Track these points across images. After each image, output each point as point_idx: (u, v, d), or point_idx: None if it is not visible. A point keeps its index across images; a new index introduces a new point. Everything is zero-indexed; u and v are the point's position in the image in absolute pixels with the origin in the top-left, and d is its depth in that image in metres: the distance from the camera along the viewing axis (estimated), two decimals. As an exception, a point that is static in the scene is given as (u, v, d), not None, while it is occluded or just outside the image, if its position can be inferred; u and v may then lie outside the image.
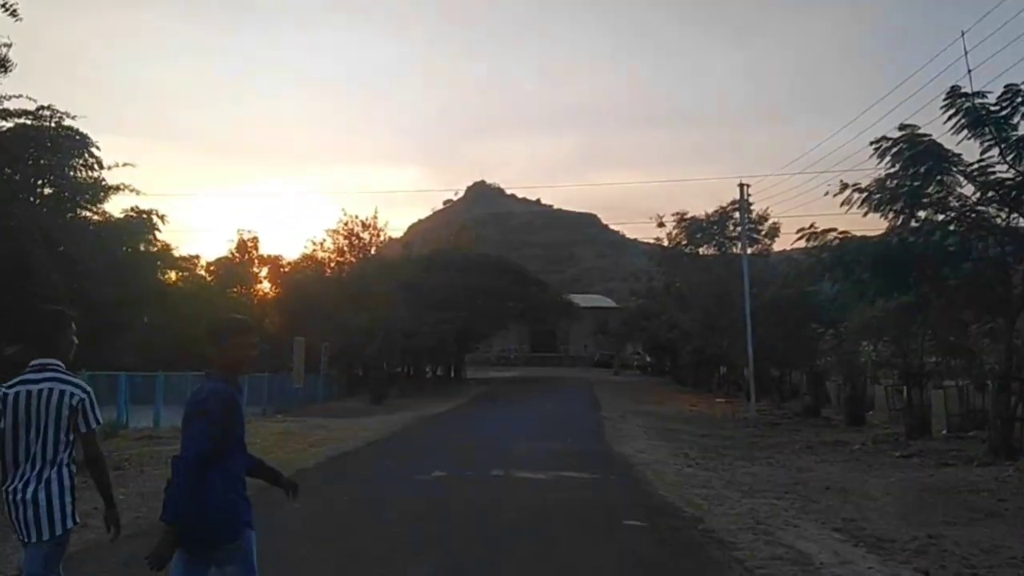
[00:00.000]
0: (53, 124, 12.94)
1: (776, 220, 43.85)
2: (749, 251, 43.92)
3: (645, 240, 75.65)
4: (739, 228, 44.22)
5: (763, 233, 43.36)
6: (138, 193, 16.44)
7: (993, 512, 8.92)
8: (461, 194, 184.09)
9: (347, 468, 12.60)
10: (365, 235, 48.24)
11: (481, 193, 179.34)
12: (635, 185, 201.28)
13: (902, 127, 15.30)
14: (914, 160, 15.61)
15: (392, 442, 17.32)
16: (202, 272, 53.91)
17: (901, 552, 7.14)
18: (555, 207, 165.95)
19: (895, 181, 16.40)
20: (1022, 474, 11.64)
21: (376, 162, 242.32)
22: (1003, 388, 15.30)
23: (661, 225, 45.88)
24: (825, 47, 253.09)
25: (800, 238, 18.48)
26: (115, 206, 22.44)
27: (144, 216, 13.07)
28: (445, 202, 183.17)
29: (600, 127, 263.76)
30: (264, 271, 53.80)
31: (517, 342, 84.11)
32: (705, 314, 41.43)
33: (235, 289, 51.27)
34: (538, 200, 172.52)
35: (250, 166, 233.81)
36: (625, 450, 15.87)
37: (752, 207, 27.38)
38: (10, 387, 3.79)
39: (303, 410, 31.03)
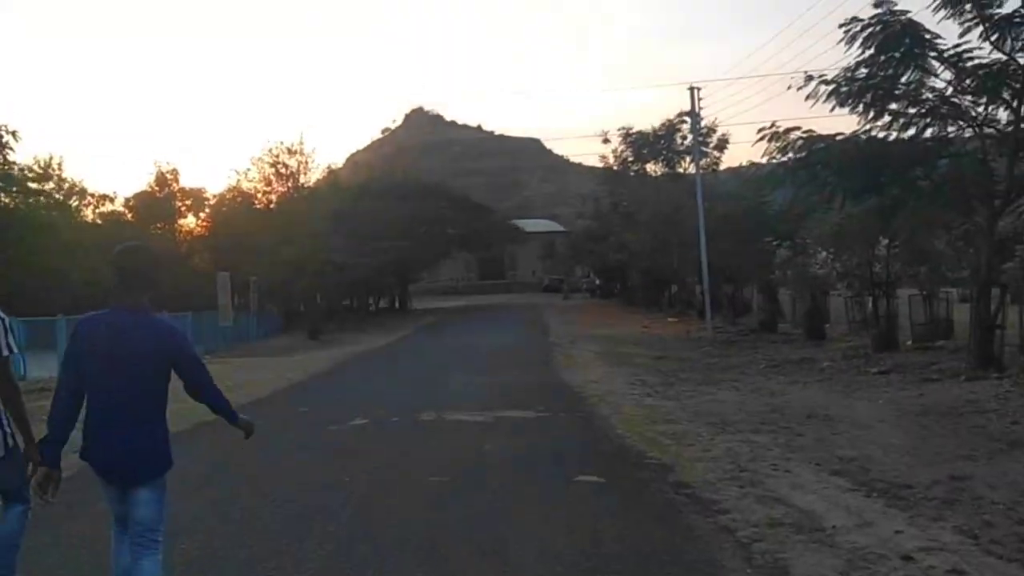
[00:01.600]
0: None
1: (725, 132, 42.42)
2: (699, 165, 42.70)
3: (590, 165, 73.91)
4: (686, 142, 42.75)
5: (712, 146, 41.85)
6: None
7: (1016, 440, 7.47)
8: (399, 122, 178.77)
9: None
10: (292, 162, 45.19)
11: (420, 120, 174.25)
12: (578, 107, 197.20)
13: (877, 3, 13.50)
14: (886, 43, 13.90)
15: (316, 383, 15.47)
16: (121, 208, 50.80)
17: (926, 503, 5.59)
18: (496, 132, 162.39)
19: (865, 70, 14.71)
20: (1022, 388, 10.33)
21: (308, 90, 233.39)
22: (983, 294, 14.04)
23: (606, 142, 44.04)
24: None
25: (761, 138, 16.69)
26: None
27: None
28: (383, 130, 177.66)
29: (541, 45, 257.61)
30: (187, 206, 50.97)
31: (464, 271, 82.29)
32: (654, 233, 40.10)
33: (158, 225, 48.28)
34: (479, 126, 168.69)
35: (173, 96, 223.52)
36: (576, 379, 14.28)
37: (701, 118, 25.51)
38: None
39: (234, 350, 29.07)
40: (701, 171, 41.62)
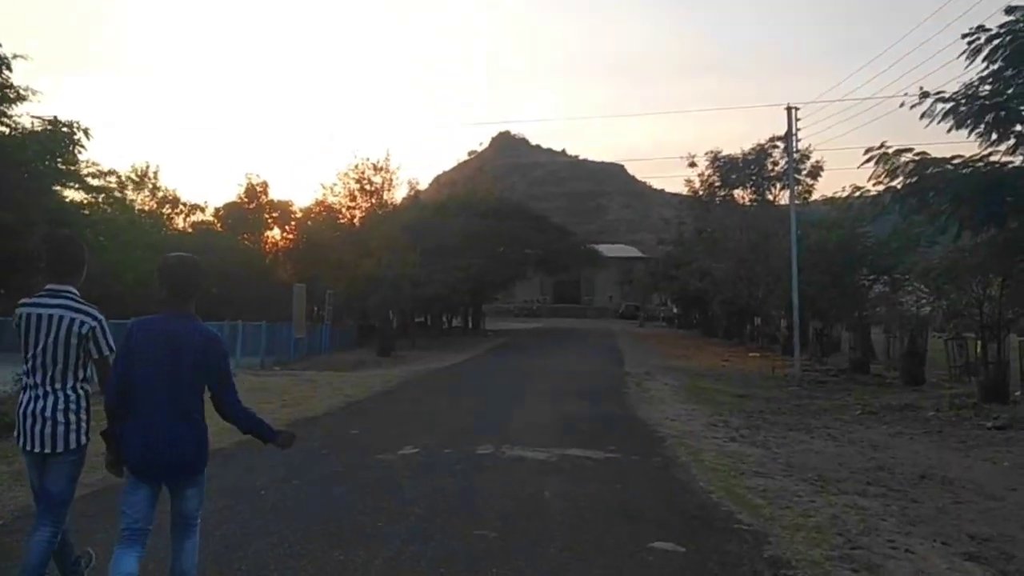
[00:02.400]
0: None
1: (819, 158, 40.48)
2: (787, 195, 40.78)
3: (673, 191, 72.18)
4: (777, 168, 40.97)
5: (805, 172, 39.99)
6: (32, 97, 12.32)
7: None
8: (486, 145, 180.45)
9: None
10: (377, 179, 45.34)
11: (506, 143, 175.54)
12: (663, 135, 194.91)
13: (1009, 10, 12.09)
14: (1017, 56, 12.45)
15: (375, 403, 14.70)
16: (211, 218, 51.93)
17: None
18: (580, 157, 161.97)
19: (989, 87, 13.25)
20: None
21: (401, 113, 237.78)
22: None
23: (693, 165, 42.67)
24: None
25: (868, 159, 15.31)
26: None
27: (63, 128, 10.26)
28: (470, 153, 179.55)
29: (628, 76, 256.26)
30: (274, 218, 51.70)
31: (540, 293, 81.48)
32: (739, 262, 38.45)
33: (244, 237, 49.03)
34: (563, 150, 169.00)
35: (266, 114, 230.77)
36: (651, 416, 13.12)
37: (798, 139, 24.00)
38: (22, 306, 3.90)
39: (304, 362, 28.87)
40: (799, 199, 40.10)
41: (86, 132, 15.51)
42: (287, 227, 51.40)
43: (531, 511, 6.30)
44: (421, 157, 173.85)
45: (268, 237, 51.68)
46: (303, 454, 8.14)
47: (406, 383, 19.11)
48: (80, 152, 11.43)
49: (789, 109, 23.88)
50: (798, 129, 23.86)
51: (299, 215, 51.59)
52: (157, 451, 3.56)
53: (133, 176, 47.85)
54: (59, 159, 10.39)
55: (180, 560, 3.74)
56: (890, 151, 15.32)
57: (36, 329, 3.85)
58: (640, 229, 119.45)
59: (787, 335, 36.18)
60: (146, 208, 48.80)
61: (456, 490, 7.03)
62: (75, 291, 3.96)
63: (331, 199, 46.66)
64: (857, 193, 17.15)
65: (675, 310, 68.99)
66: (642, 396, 16.47)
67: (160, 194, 49.43)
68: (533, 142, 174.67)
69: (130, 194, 48.47)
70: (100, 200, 46.11)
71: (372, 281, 32.18)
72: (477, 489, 7.08)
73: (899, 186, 14.95)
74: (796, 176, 39.69)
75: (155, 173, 48.92)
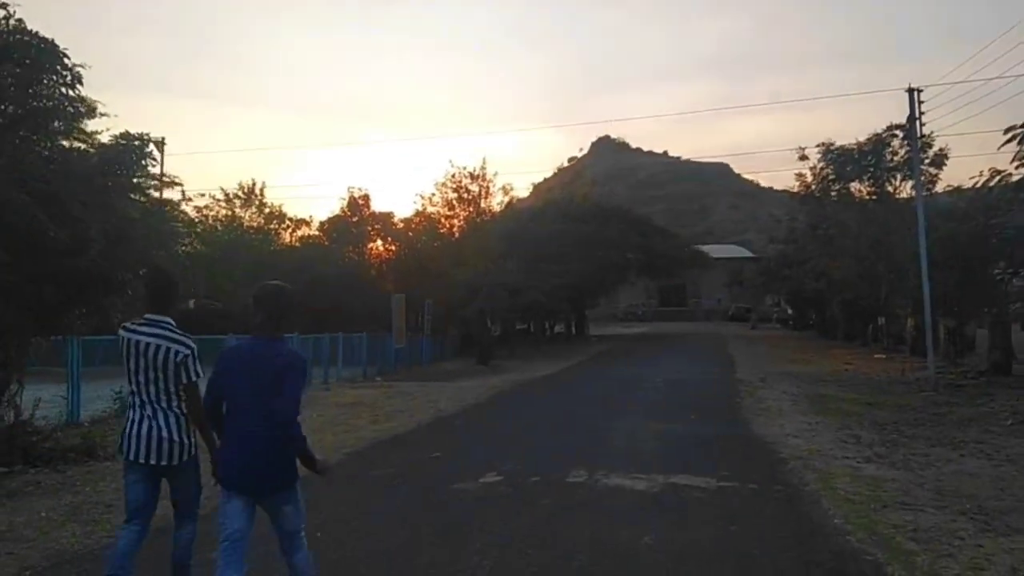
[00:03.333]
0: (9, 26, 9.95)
1: (943, 145, 37.37)
2: (911, 186, 37.77)
3: (781, 188, 68.85)
4: (897, 158, 38.06)
5: (927, 161, 36.96)
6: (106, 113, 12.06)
7: None
8: (586, 150, 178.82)
9: (372, 464, 9.11)
10: (474, 187, 44.98)
11: (606, 148, 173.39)
12: (770, 129, 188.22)
13: None
14: None
15: (465, 418, 13.85)
16: (316, 232, 52.89)
17: None
18: (683, 158, 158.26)
19: None
20: None
21: (499, 124, 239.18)
22: None
23: (804, 158, 40.06)
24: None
25: (1009, 139, 13.45)
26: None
27: (135, 142, 9.99)
28: (570, 159, 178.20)
29: (727, 74, 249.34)
30: (375, 230, 52.19)
31: (645, 297, 79.51)
32: (859, 260, 35.89)
33: (349, 250, 49.63)
34: (665, 152, 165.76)
35: (371, 130, 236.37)
36: (770, 431, 11.72)
37: (922, 123, 21.74)
38: (123, 330, 4.31)
39: (405, 373, 28.54)
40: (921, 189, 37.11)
41: (158, 144, 15.32)
42: (389, 239, 51.83)
43: (624, 567, 5.19)
44: (521, 166, 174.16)
45: (372, 249, 52.24)
46: (374, 484, 7.32)
47: (501, 395, 18.24)
48: (152, 165, 11.11)
49: (911, 91, 21.71)
50: (922, 113, 21.66)
51: (400, 226, 51.97)
52: (245, 466, 3.76)
53: (240, 193, 49.25)
54: (127, 172, 10.04)
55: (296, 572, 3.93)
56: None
57: (136, 354, 4.23)
58: (748, 229, 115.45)
59: (915, 335, 33.51)
60: (254, 224, 50.18)
61: (539, 531, 6.00)
62: (171, 321, 4.32)
63: (429, 209, 46.52)
64: (997, 178, 15.03)
65: (789, 311, 65.82)
66: (758, 407, 15.00)
67: (267, 210, 50.67)
68: (634, 145, 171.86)
69: (239, 211, 50.06)
70: (203, 214, 47.68)
71: (469, 290, 31.57)
72: (563, 532, 6.03)
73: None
74: (920, 166, 36.89)
75: (261, 190, 50.17)
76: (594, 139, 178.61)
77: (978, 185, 20.89)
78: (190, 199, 46.14)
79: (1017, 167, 13.89)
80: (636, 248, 47.46)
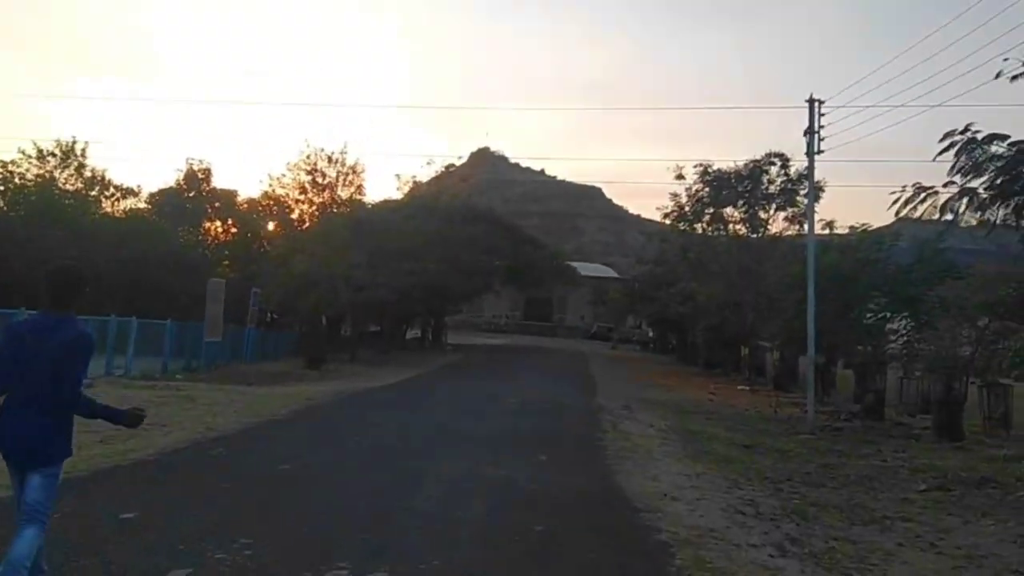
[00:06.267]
0: None
1: (820, 179, 36.56)
2: (784, 217, 36.77)
3: (649, 218, 68.18)
4: (773, 186, 36.97)
5: (803, 192, 35.98)
6: None
7: None
8: (464, 159, 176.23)
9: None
10: (331, 171, 40.79)
11: (485, 159, 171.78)
12: (641, 162, 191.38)
13: None
14: None
15: (233, 444, 10.10)
16: (145, 204, 46.92)
17: None
18: (559, 178, 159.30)
19: None
20: None
21: (372, 119, 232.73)
22: None
23: (680, 177, 38.36)
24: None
25: (946, 149, 11.14)
26: None
27: None
28: (448, 166, 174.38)
29: (608, 101, 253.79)
30: (215, 208, 46.80)
31: (510, 308, 77.05)
32: (727, 286, 34.41)
33: (182, 228, 44.14)
34: (542, 170, 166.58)
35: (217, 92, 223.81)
36: (642, 489, 8.65)
37: (822, 136, 19.71)
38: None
39: (217, 371, 24.35)
40: (795, 224, 36.05)
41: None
42: (230, 219, 46.64)
43: None
44: (396, 170, 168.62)
45: (209, 229, 46.89)
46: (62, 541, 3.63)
47: (309, 410, 14.54)
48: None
49: (812, 102, 19.67)
50: (821, 127, 19.65)
51: (244, 207, 46.87)
52: (16, 439, 3.84)
53: (57, 151, 42.72)
54: None
55: (15, 547, 3.81)
56: (976, 137, 11.24)
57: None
58: (615, 252, 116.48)
59: (780, 368, 32.20)
60: (71, 188, 43.74)
61: None
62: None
63: (279, 190, 41.92)
64: (922, 195, 12.66)
65: (650, 334, 64.97)
66: (623, 446, 12.01)
67: (88, 174, 44.26)
68: (512, 160, 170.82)
69: (54, 171, 43.48)
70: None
71: (308, 282, 27.55)
72: None
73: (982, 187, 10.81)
74: (798, 198, 35.84)
75: (83, 150, 43.74)
76: (474, 149, 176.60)
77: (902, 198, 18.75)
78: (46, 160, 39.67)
79: (945, 185, 11.65)
80: (504, 255, 44.50)
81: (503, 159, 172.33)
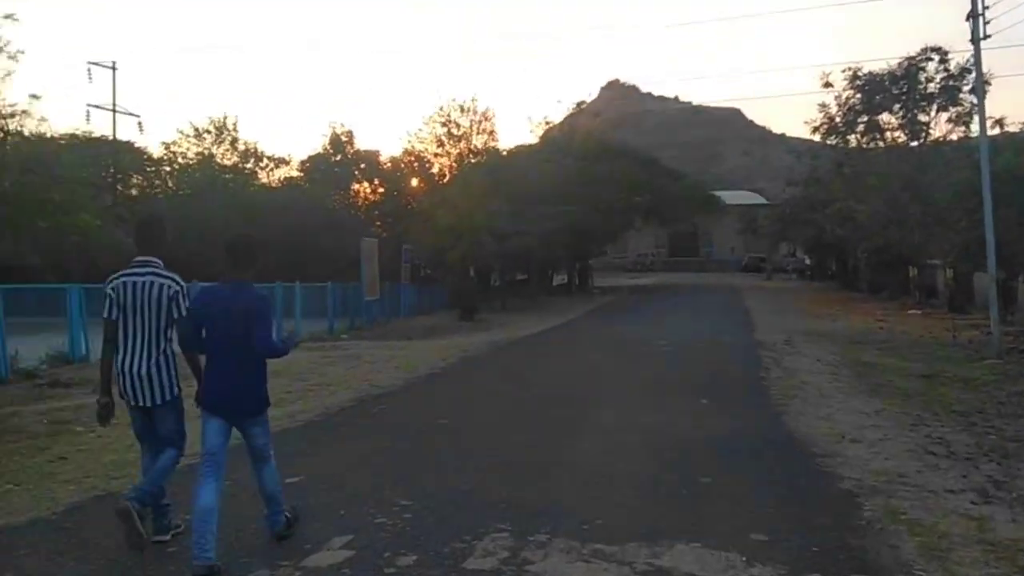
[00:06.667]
0: None
1: (988, 69, 33.08)
2: (947, 119, 33.66)
3: (795, 136, 64.06)
4: (932, 84, 33.77)
5: (968, 88, 32.60)
6: None
7: None
8: (595, 95, 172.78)
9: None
10: (464, 121, 40.96)
11: (616, 92, 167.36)
12: (784, 72, 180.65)
13: None
14: None
15: (394, 399, 10.31)
16: (297, 172, 48.96)
17: None
18: (695, 104, 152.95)
19: None
20: None
21: (504, 62, 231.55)
22: None
23: (828, 85, 35.76)
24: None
25: None
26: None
27: None
28: (578, 104, 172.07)
29: (743, 13, 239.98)
30: (361, 170, 48.16)
31: (654, 245, 75.49)
32: (890, 202, 31.90)
33: (334, 192, 45.75)
34: (676, 97, 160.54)
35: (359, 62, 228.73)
36: (816, 431, 8.08)
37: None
38: (115, 279, 4.51)
39: (378, 328, 25.16)
40: (959, 125, 32.85)
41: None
42: (376, 179, 47.92)
43: None
44: (527, 113, 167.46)
45: (358, 190, 48.40)
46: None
47: (463, 362, 14.72)
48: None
49: (974, -10, 17.47)
50: (986, 7, 17.44)
51: (388, 166, 47.99)
52: (223, 395, 4.40)
53: (211, 128, 45.27)
54: None
55: (266, 485, 4.57)
56: None
57: (130, 293, 4.45)
58: (761, 177, 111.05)
59: (953, 288, 29.77)
60: (228, 163, 46.31)
61: None
62: (159, 261, 4.57)
63: (417, 146, 42.62)
64: None
65: (807, 261, 61.89)
66: (790, 384, 11.36)
67: (242, 147, 46.70)
68: (644, 89, 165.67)
69: (212, 147, 46.10)
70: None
71: (453, 235, 27.91)
72: None
73: None
74: (958, 95, 32.64)
75: (234, 125, 46.11)
76: (603, 83, 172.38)
77: None
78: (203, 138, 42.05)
79: None
80: (643, 190, 43.39)
81: (634, 89, 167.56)
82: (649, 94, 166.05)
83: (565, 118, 58.45)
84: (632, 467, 6.43)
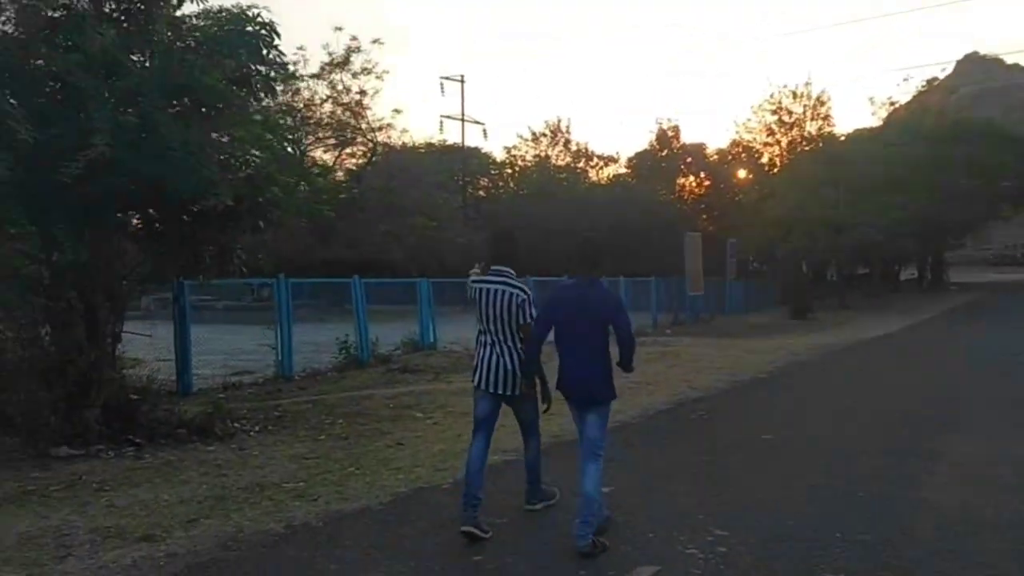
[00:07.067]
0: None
1: None
2: None
3: None
4: None
5: None
6: None
7: None
8: (949, 70, 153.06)
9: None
10: (797, 107, 38.63)
11: (975, 66, 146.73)
12: None
13: None
14: None
15: (708, 405, 9.83)
16: (624, 169, 49.91)
17: None
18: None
19: None
20: None
21: (838, 40, 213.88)
22: None
23: None
24: None
25: None
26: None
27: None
28: (929, 81, 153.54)
29: None
30: (687, 164, 47.56)
31: (1025, 236, 65.20)
32: None
33: (659, 190, 45.76)
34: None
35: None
36: None
37: None
38: (475, 283, 5.04)
39: (701, 325, 24.77)
40: None
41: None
42: (701, 172, 47.08)
43: None
44: (868, 94, 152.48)
45: (684, 184, 47.93)
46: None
47: (793, 367, 13.71)
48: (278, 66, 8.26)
49: None
50: None
51: (714, 158, 46.90)
52: (579, 383, 4.67)
53: (547, 131, 47.83)
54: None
55: (585, 484, 4.59)
56: None
57: (486, 300, 4.94)
58: None
59: None
60: (562, 163, 48.54)
61: None
62: (512, 271, 5.00)
63: (744, 135, 41.12)
64: None
65: None
66: None
67: (574, 148, 48.77)
68: (1010, 60, 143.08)
69: (547, 150, 48.71)
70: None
71: (781, 227, 26.42)
72: None
73: None
74: None
75: (567, 127, 48.28)
76: (959, 57, 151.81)
77: None
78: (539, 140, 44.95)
79: None
80: (1009, 173, 37.49)
81: (998, 62, 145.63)
82: (1016, 65, 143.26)
83: (914, 97, 52.65)
84: (1002, 518, 5.33)
